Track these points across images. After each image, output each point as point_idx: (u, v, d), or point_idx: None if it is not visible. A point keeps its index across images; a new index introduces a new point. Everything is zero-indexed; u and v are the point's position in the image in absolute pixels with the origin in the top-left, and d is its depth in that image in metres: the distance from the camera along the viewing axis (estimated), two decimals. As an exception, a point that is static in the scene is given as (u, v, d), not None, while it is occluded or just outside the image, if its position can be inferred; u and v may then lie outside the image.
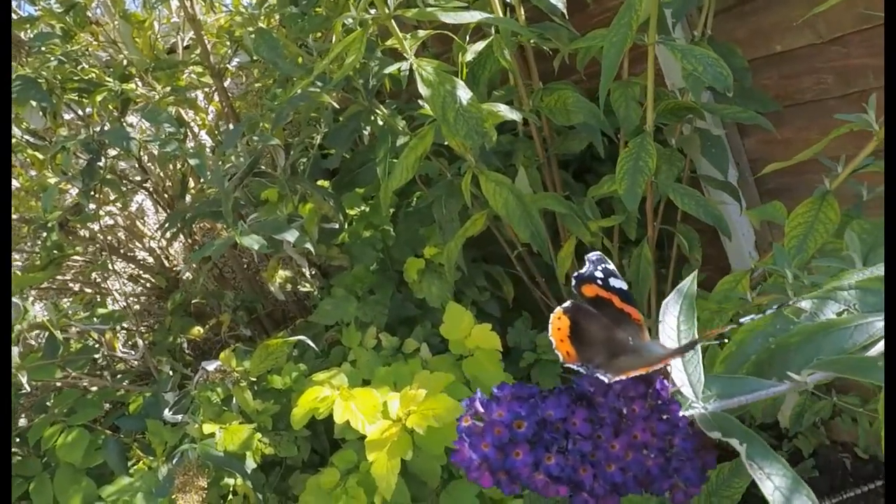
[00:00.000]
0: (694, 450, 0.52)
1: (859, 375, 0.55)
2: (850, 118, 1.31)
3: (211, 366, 1.66)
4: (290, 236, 1.73)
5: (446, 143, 1.65)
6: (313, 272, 1.94)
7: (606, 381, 0.49)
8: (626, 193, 1.49)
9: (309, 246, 1.74)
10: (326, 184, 1.94)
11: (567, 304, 0.56)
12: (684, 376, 0.59)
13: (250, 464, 1.53)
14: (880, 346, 0.58)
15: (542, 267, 1.82)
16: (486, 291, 1.82)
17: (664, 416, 0.52)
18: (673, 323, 0.62)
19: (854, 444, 1.93)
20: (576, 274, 0.59)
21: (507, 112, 1.57)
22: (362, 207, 1.93)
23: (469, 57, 1.63)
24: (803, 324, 0.65)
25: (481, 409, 0.53)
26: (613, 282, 0.59)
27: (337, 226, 1.90)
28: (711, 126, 1.67)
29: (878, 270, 0.67)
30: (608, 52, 1.31)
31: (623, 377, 0.49)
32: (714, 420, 0.54)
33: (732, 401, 0.58)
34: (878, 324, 0.60)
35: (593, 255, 0.61)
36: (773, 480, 0.48)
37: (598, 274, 0.59)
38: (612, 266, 0.60)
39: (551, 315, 0.55)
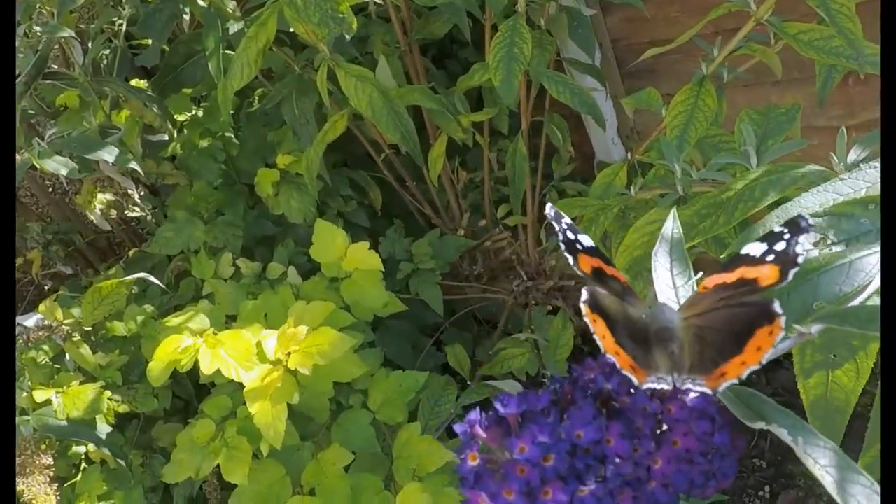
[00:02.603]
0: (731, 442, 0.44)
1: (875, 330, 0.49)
2: (729, -3, 1.26)
3: (30, 321, 1.36)
4: (108, 154, 1.41)
5: (291, 29, 1.40)
6: (142, 193, 1.64)
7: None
8: (502, 84, 1.36)
9: (134, 164, 1.44)
10: (144, 84, 1.60)
11: (584, 295, 0.44)
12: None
13: (103, 428, 1.31)
14: (876, 284, 0.54)
15: (411, 168, 1.67)
16: (351, 200, 1.65)
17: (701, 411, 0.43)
18: (667, 278, 0.53)
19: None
20: (560, 241, 0.47)
21: (364, -8, 1.34)
22: (194, 111, 1.62)
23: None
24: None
25: (483, 434, 0.41)
26: (582, 239, 0.48)
27: (166, 136, 1.59)
28: (581, 5, 1.56)
29: (853, 186, 0.61)
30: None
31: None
32: (743, 401, 0.46)
33: (744, 366, 0.51)
34: (873, 258, 0.55)
35: (551, 210, 0.48)
36: (830, 473, 0.41)
37: (570, 235, 0.47)
38: (569, 219, 0.48)
39: (584, 316, 0.42)
